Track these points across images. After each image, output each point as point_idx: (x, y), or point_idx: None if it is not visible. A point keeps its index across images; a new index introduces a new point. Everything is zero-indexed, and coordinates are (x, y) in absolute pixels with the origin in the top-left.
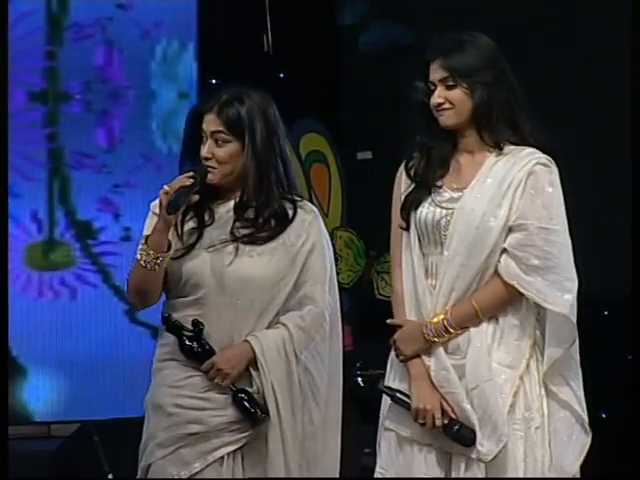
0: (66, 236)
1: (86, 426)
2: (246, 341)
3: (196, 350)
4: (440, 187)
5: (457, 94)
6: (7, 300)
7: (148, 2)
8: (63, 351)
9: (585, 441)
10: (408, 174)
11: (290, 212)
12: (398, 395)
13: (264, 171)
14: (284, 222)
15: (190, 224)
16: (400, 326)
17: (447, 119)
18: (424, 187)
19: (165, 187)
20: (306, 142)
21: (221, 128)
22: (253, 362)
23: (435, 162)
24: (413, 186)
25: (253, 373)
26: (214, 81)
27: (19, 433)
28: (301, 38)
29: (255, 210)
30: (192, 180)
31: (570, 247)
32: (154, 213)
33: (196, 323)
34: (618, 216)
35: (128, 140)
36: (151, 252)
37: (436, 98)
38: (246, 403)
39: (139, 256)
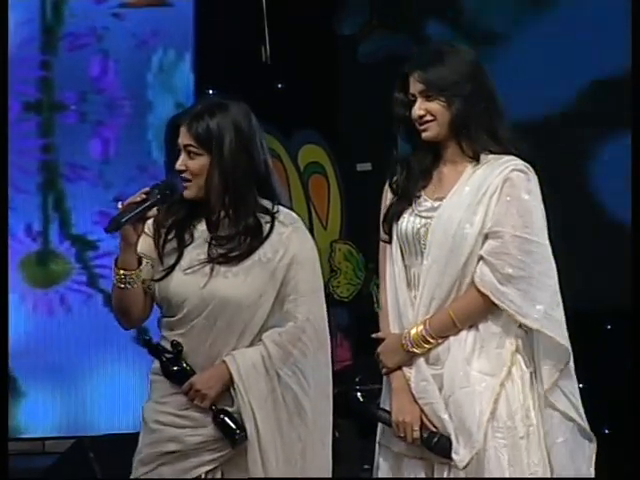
0: (61, 249)
1: (81, 442)
2: (223, 361)
3: (176, 371)
4: (420, 197)
5: (435, 106)
6: (7, 317)
7: (144, 11)
8: (58, 366)
9: (592, 447)
10: (392, 189)
11: (266, 226)
12: (379, 412)
13: (231, 185)
14: (259, 237)
15: (172, 244)
16: (384, 339)
17: (429, 131)
18: (405, 198)
19: (119, 204)
20: (305, 153)
21: (191, 142)
22: (230, 382)
23: (416, 174)
24: (395, 199)
25: (232, 393)
26: (211, 92)
27: (14, 449)
28: (300, 48)
29: (227, 226)
30: (144, 196)
31: (548, 257)
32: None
33: (175, 344)
34: (622, 229)
35: (124, 151)
36: (121, 271)
37: (417, 110)
38: (228, 422)
39: (114, 277)
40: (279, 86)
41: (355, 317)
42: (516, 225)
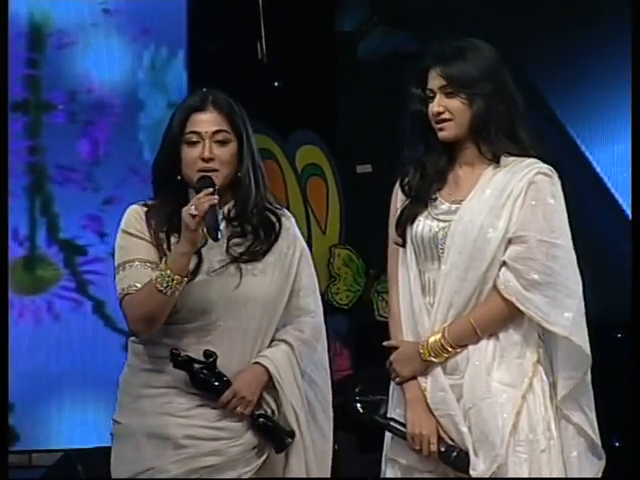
0: (49, 254)
1: (69, 455)
2: (257, 363)
3: (213, 383)
4: (436, 200)
5: (455, 104)
6: (7, 330)
7: (135, 7)
8: (44, 376)
9: (600, 465)
10: (403, 191)
11: (274, 220)
12: (392, 424)
13: (259, 173)
14: (273, 232)
15: None
16: (397, 348)
17: (447, 131)
18: (420, 201)
19: (190, 209)
20: (303, 155)
21: (224, 127)
22: (268, 384)
23: (431, 175)
24: (408, 201)
25: (266, 396)
26: (201, 91)
27: None
28: (297, 45)
29: (242, 221)
30: (217, 198)
31: (574, 262)
32: (130, 234)
33: (209, 354)
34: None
35: (114, 153)
36: (176, 277)
37: (435, 107)
38: (274, 427)
39: (157, 281)
40: (276, 85)
41: (355, 325)
42: (542, 229)
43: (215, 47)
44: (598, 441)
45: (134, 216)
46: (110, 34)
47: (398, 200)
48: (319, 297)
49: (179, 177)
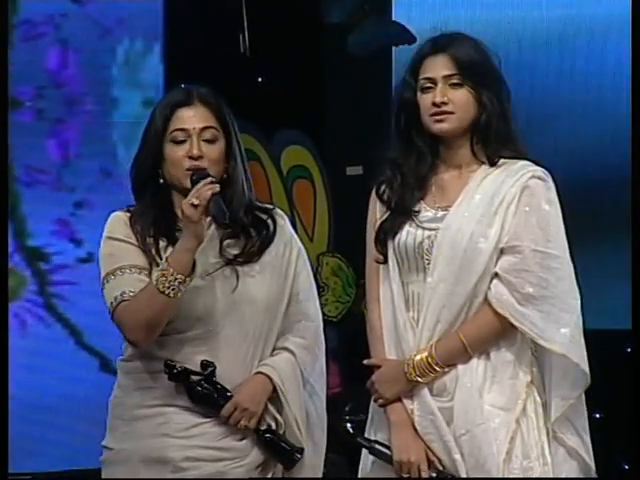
0: (15, 261)
1: (37, 478)
2: (259, 372)
3: (212, 395)
4: (419, 210)
5: (461, 95)
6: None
7: None
8: (10, 394)
9: None
10: (381, 199)
11: (266, 219)
12: (377, 447)
13: (248, 174)
14: (266, 230)
15: (169, 252)
16: (378, 367)
17: (447, 124)
18: (401, 213)
19: (191, 199)
20: (288, 155)
21: (212, 124)
22: (272, 395)
23: (412, 182)
24: (388, 213)
25: (270, 408)
26: (183, 86)
27: None
28: (283, 37)
29: (233, 221)
30: (218, 186)
31: (571, 274)
32: (118, 240)
33: (207, 364)
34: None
35: (86, 153)
36: (179, 276)
37: (438, 96)
38: (281, 444)
39: (159, 282)
40: (259, 80)
41: (344, 339)
42: (536, 239)
43: (194, 40)
44: (592, 464)
45: (118, 222)
46: (81, 26)
47: (377, 211)
48: (317, 300)
49: (161, 180)
